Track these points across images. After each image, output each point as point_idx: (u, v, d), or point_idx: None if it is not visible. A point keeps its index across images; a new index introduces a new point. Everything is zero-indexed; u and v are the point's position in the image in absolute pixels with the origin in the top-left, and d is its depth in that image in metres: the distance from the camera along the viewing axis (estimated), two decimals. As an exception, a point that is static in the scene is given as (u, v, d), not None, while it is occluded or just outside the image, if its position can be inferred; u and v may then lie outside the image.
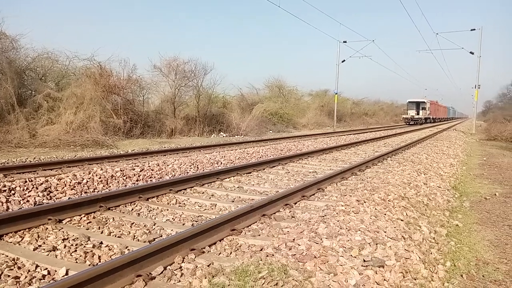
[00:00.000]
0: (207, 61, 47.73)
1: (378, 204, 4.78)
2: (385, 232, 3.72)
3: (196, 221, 4.41)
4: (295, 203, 5.25)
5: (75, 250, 3.52)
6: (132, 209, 4.82)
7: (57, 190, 5.27)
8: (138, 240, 3.82)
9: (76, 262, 3.33)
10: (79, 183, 5.69)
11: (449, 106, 77.82)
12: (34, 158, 8.34)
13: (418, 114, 45.71)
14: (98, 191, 5.62)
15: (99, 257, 3.43)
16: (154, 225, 4.22)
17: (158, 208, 4.87)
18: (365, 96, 52.26)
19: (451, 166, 9.26)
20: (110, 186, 5.88)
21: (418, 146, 15.40)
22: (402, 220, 4.33)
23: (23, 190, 5.00)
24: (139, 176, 6.52)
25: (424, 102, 47.26)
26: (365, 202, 4.80)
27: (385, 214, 4.40)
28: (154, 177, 6.69)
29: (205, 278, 2.86)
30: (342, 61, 30.07)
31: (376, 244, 3.41)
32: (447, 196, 6.05)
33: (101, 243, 3.70)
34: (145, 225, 4.21)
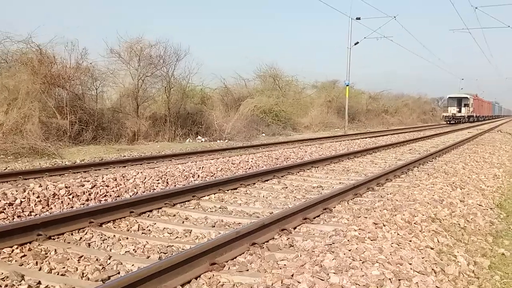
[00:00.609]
0: (181, 43, 47.81)
1: (401, 228, 4.82)
2: (410, 264, 3.74)
3: (165, 253, 4.40)
4: (295, 228, 5.28)
5: (4, 294, 3.48)
6: (81, 237, 4.80)
7: (-21, 214, 5.22)
8: (88, 278, 3.78)
9: (5, 310, 3.29)
10: (10, 204, 5.64)
11: (493, 101, 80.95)
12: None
13: (460, 111, 50.31)
14: (36, 214, 5.57)
15: (36, 302, 3.40)
16: (110, 258, 4.19)
17: (114, 236, 4.84)
18: (384, 89, 52.82)
19: (496, 178, 9.39)
20: (51, 208, 5.84)
21: (453, 152, 15.60)
22: (432, 249, 4.37)
23: None
24: (90, 195, 6.49)
25: (467, 97, 51.65)
26: (384, 225, 4.83)
27: (410, 241, 4.43)
28: (110, 195, 6.67)
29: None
30: (355, 44, 30.48)
31: (399, 280, 3.43)
32: (490, 216, 6.13)
33: (39, 283, 3.66)
34: (97, 259, 4.19)
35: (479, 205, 6.55)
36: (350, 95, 35.40)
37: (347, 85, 29.76)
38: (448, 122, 49.79)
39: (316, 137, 22.02)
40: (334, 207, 6.34)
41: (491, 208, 6.54)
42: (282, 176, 8.96)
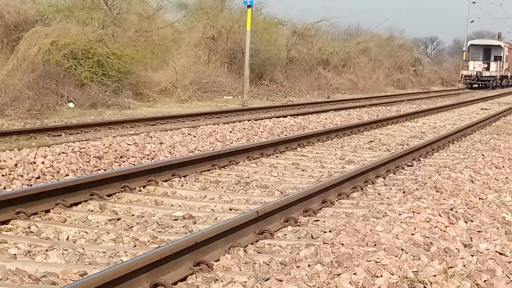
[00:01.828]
0: None
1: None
2: None
3: None
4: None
5: None
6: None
7: None
8: None
9: None
10: None
11: None
12: None
13: (488, 68, 61.03)
14: None
15: None
16: None
17: None
18: (322, 17, 54.23)
19: (530, 200, 10.00)
20: None
21: (453, 148, 16.48)
22: None
23: None
24: None
25: (499, 46, 62.88)
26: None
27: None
28: None
29: None
30: None
31: None
32: (519, 275, 6.47)
33: None
34: None
35: (501, 253, 6.90)
36: (256, 27, 35.96)
37: (248, 6, 30.07)
38: (469, 86, 59.79)
39: (179, 114, 22.03)
40: (217, 261, 6.34)
41: (521, 260, 6.93)
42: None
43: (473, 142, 17.28)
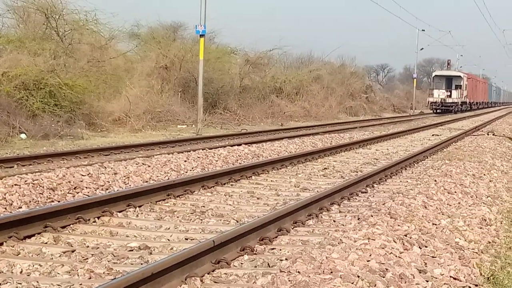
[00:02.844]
0: None
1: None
2: None
3: None
4: None
5: None
6: None
7: None
8: None
9: None
10: None
11: (490, 81, 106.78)
12: None
13: (450, 96, 71.71)
14: None
15: None
16: None
17: None
18: (275, 46, 54.55)
19: (484, 226, 10.06)
20: None
21: (406, 174, 16.61)
22: None
23: None
24: None
25: (459, 76, 74.66)
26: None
27: None
28: None
29: None
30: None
31: None
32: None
33: None
34: None
35: (455, 278, 6.97)
36: (209, 56, 36.04)
37: (201, 35, 30.17)
38: (435, 111, 69.97)
39: (132, 144, 21.93)
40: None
41: (476, 285, 6.98)
42: None
43: (426, 168, 17.43)
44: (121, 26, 37.98)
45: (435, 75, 75.42)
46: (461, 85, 72.67)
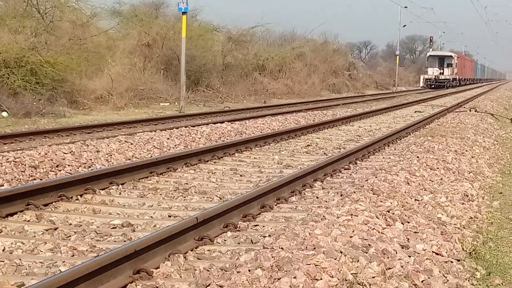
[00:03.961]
0: None
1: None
2: None
3: None
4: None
5: None
6: None
7: None
8: None
9: None
10: None
11: (475, 59, 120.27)
12: None
13: (443, 73, 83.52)
14: None
15: None
16: None
17: None
18: (257, 23, 54.55)
19: (466, 201, 10.15)
20: None
21: (388, 150, 16.66)
22: None
23: None
24: None
25: (450, 56, 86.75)
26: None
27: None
28: None
29: None
30: None
31: None
32: (457, 276, 6.53)
33: None
34: None
35: (437, 253, 7.01)
36: (191, 33, 35.91)
37: (183, 13, 30.03)
38: (430, 87, 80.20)
39: (115, 122, 21.87)
40: (157, 268, 6.31)
41: (458, 260, 7.03)
42: None
43: (408, 144, 17.47)
44: (103, 4, 38.03)
45: (430, 55, 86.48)
46: (452, 64, 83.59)
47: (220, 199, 9.87)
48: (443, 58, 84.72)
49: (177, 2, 30.20)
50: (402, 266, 6.28)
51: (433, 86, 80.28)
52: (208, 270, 6.31)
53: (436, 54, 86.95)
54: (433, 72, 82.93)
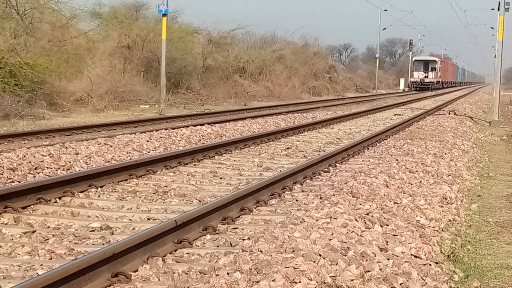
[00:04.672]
0: None
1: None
2: None
3: None
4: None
5: None
6: None
7: None
8: None
9: None
10: None
11: (455, 62, 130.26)
12: None
13: (427, 76, 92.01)
14: None
15: None
16: None
17: None
18: (238, 26, 54.54)
19: (445, 204, 10.15)
20: None
21: (368, 153, 16.70)
22: None
23: None
24: None
25: (434, 61, 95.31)
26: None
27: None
28: None
29: None
30: None
31: None
32: (435, 279, 6.54)
33: None
34: None
35: (416, 256, 7.02)
36: (172, 35, 35.91)
37: (163, 15, 30.04)
38: (415, 89, 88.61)
39: (94, 124, 21.82)
40: (135, 271, 6.29)
41: (436, 263, 7.04)
42: None
43: (387, 147, 17.53)
44: (83, 5, 37.66)
45: (415, 60, 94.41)
46: (435, 68, 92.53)
47: (200, 202, 9.85)
48: (428, 63, 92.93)
49: (158, 4, 30.31)
50: (380, 269, 6.29)
51: (418, 88, 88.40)
52: (187, 273, 6.31)
53: (421, 59, 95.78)
54: (418, 75, 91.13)
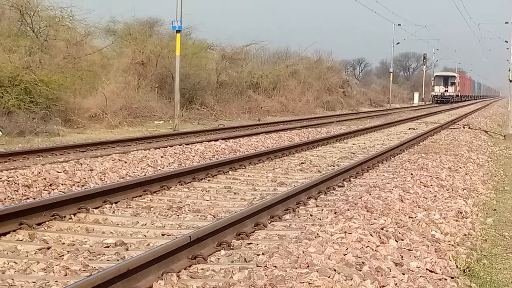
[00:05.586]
0: None
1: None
2: None
3: None
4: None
5: None
6: None
7: None
8: None
9: None
10: None
11: (469, 76, 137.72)
12: None
13: (447, 91, 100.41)
14: None
15: None
16: None
17: None
18: (251, 41, 54.54)
19: (460, 218, 10.16)
20: None
21: (382, 168, 16.64)
22: None
23: None
24: None
25: (454, 76, 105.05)
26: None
27: None
28: None
29: None
30: None
31: None
32: (450, 292, 6.55)
33: None
34: None
35: (431, 271, 6.99)
36: (186, 51, 36.02)
37: (177, 31, 30.12)
38: (436, 102, 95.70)
39: (109, 140, 21.83)
40: (150, 287, 6.27)
41: (452, 278, 7.02)
42: None
43: (402, 161, 17.50)
44: (97, 22, 37.82)
45: (436, 75, 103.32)
46: (455, 83, 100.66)
47: (214, 217, 9.85)
48: (448, 78, 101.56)
49: (171, 21, 30.35)
50: (396, 284, 6.26)
51: (438, 101, 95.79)
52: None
53: (441, 74, 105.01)
54: (439, 89, 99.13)
